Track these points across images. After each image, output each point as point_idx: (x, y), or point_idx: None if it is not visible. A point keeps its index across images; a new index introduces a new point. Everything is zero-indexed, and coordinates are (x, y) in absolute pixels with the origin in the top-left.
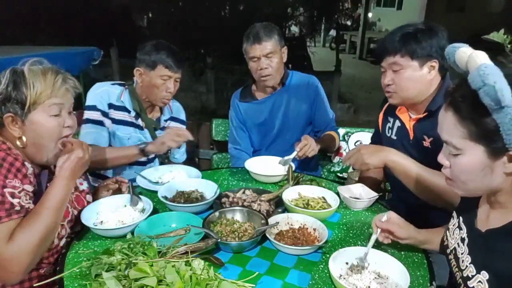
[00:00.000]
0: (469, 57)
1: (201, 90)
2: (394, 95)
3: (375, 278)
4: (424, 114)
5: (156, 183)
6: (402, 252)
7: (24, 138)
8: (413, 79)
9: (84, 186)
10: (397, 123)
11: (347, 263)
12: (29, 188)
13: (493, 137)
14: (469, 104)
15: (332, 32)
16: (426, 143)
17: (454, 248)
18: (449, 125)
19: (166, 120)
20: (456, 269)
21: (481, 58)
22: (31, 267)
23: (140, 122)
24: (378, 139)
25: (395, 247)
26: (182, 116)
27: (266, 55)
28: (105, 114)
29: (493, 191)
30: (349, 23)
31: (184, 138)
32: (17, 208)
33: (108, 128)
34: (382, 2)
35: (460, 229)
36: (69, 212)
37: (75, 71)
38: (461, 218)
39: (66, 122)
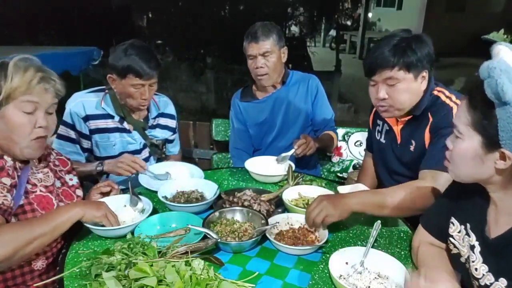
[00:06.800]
0: (499, 51)
1: (201, 90)
2: (390, 109)
3: (375, 278)
4: (409, 117)
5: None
6: (402, 252)
7: None
8: (409, 91)
9: (74, 181)
10: (385, 127)
11: (347, 263)
12: (7, 181)
13: (491, 130)
14: (478, 94)
15: (332, 32)
16: (412, 147)
17: (468, 257)
18: (460, 110)
19: (154, 118)
20: (472, 277)
21: (502, 53)
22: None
23: (126, 125)
24: (371, 141)
25: (395, 247)
26: (170, 110)
27: (263, 54)
28: (74, 128)
29: (483, 183)
30: (349, 23)
31: (138, 169)
32: None
33: (81, 143)
34: (382, 2)
35: (469, 236)
36: (54, 204)
37: (75, 71)
38: (468, 225)
39: (38, 122)
